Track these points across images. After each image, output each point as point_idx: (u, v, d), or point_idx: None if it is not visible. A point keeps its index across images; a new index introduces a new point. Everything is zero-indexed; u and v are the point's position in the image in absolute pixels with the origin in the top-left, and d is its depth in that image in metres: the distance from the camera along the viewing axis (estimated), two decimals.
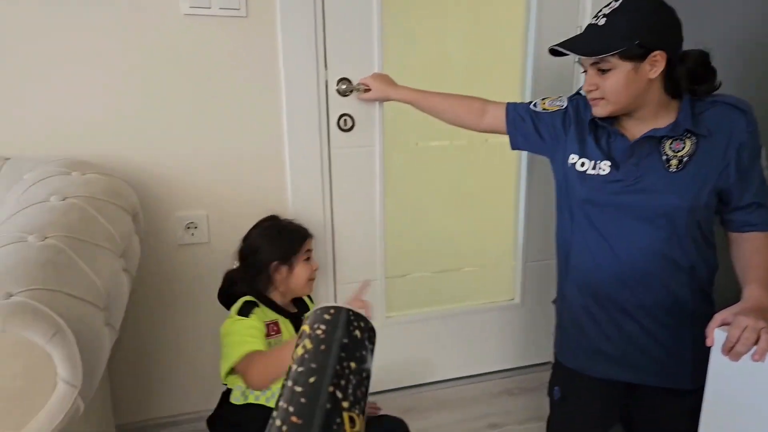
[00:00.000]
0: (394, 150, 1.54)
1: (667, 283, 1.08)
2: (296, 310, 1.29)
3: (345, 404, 0.29)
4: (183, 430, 1.44)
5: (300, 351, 0.32)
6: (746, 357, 0.85)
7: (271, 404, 1.23)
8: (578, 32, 1.08)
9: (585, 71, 1.05)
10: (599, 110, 1.05)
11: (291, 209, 1.44)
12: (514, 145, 1.27)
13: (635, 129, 1.07)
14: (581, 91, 1.19)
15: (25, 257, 0.73)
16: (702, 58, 1.02)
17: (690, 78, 1.02)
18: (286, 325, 1.24)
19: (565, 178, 1.15)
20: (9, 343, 0.63)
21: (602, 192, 1.08)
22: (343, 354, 0.32)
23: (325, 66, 1.40)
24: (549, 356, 1.80)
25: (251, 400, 1.15)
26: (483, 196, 1.69)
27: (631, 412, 1.23)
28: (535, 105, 1.23)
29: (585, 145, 1.12)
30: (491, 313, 1.74)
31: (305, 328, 0.34)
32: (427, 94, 1.35)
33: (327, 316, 0.34)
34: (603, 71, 1.00)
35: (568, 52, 1.01)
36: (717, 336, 0.89)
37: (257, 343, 1.11)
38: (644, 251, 1.07)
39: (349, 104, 1.44)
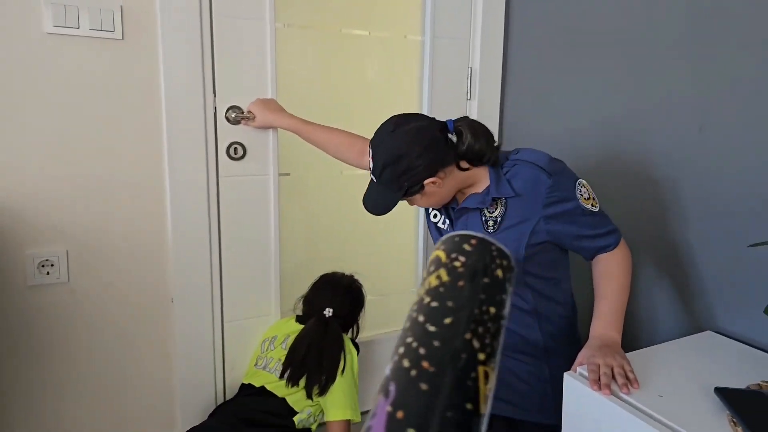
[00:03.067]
0: (321, 178, 1.51)
1: (515, 327, 1.12)
2: None
3: (481, 356, 0.25)
4: None
5: (434, 281, 0.28)
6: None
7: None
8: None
9: None
10: (430, 206, 1.15)
11: (171, 243, 1.31)
12: None
13: (459, 197, 1.13)
14: None
15: None
16: (473, 128, 1.05)
17: (483, 150, 1.05)
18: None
19: (430, 228, 1.23)
20: None
21: None
22: (483, 296, 0.27)
23: (214, 93, 1.30)
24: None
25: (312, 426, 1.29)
26: (385, 228, 1.67)
27: None
28: None
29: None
30: (393, 342, 1.71)
31: (440, 254, 0.29)
32: (312, 126, 1.32)
33: (467, 247, 0.29)
34: (411, 200, 1.08)
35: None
36: (566, 380, 0.96)
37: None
38: None
39: (241, 132, 1.35)
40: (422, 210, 1.65)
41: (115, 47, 1.19)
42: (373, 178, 1.05)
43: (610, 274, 1.09)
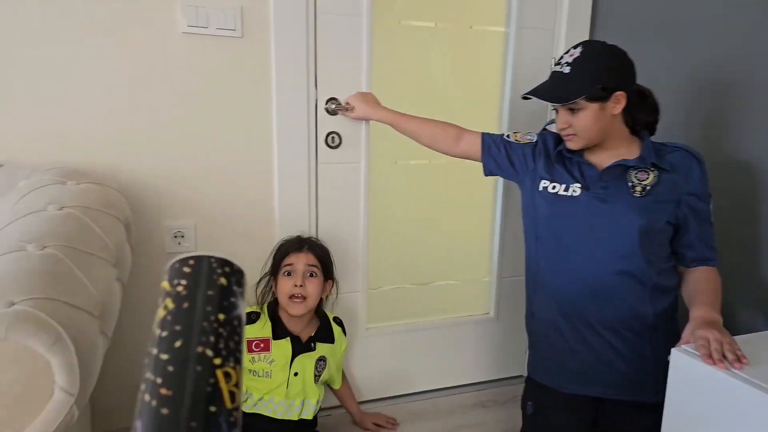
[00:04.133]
0: (377, 167, 1.60)
1: (630, 300, 1.16)
2: (309, 335, 1.38)
3: (217, 361, 0.27)
4: None
5: (162, 313, 0.30)
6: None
7: (256, 410, 1.30)
8: (550, 70, 1.19)
9: (555, 110, 1.17)
10: (573, 144, 1.16)
11: (277, 221, 1.48)
12: (487, 171, 1.36)
13: (603, 159, 1.18)
14: (548, 127, 1.32)
15: (26, 266, 0.76)
16: (649, 92, 1.19)
17: (646, 111, 1.18)
18: (280, 346, 1.31)
19: (533, 203, 1.25)
20: (10, 350, 0.66)
21: (572, 211, 1.18)
22: (209, 308, 0.29)
23: (315, 85, 1.45)
24: (522, 370, 1.86)
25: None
26: (461, 213, 1.75)
27: (599, 425, 1.30)
28: (508, 136, 1.34)
29: (555, 173, 1.23)
30: (467, 326, 1.80)
31: (165, 285, 0.31)
32: (407, 117, 1.41)
33: (186, 269, 0.31)
34: (573, 111, 1.12)
35: (539, 99, 1.13)
36: (674, 356, 0.97)
37: None
38: (610, 268, 1.16)
39: (337, 122, 1.50)
40: (499, 201, 1.71)
41: (235, 44, 1.36)
42: (564, 71, 1.11)
43: (709, 279, 1.15)
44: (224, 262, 0.32)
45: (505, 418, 1.65)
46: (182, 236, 1.42)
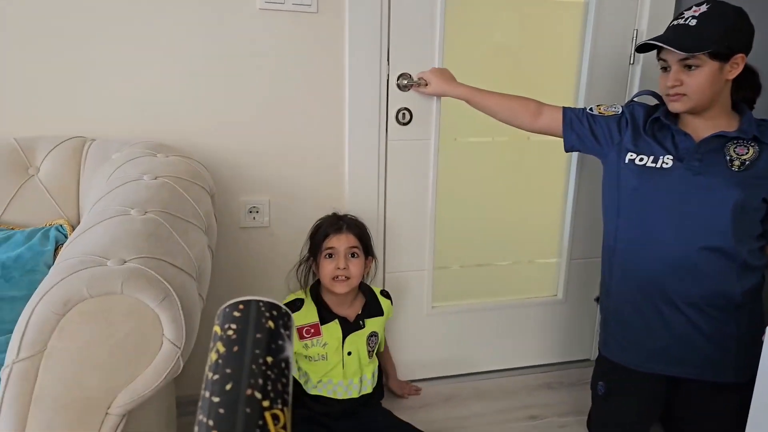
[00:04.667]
0: (445, 144, 1.57)
1: (717, 277, 1.12)
2: (356, 312, 1.37)
3: (265, 403, 0.28)
4: None
5: (213, 356, 0.31)
6: None
7: (317, 392, 1.35)
8: (657, 33, 1.14)
9: (665, 68, 1.11)
10: (679, 105, 1.11)
11: (347, 197, 1.50)
12: (569, 145, 1.31)
13: (700, 129, 1.13)
14: (635, 99, 1.28)
15: (132, 228, 0.80)
16: (755, 70, 1.16)
17: (750, 87, 1.14)
18: (329, 329, 1.33)
19: (618, 176, 1.21)
20: (124, 304, 0.70)
21: (662, 184, 1.13)
22: (257, 351, 0.30)
23: (388, 61, 1.44)
24: (589, 353, 1.82)
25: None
26: (529, 192, 1.71)
27: (674, 408, 1.26)
28: (591, 110, 1.30)
29: (643, 145, 1.18)
30: (534, 307, 1.76)
31: (216, 329, 0.32)
32: (484, 93, 1.38)
33: (236, 314, 0.32)
34: (689, 68, 1.07)
35: (664, 46, 1.08)
36: None
37: None
38: (699, 243, 1.11)
39: (408, 98, 1.48)
40: (573, 180, 1.65)
41: (311, 19, 1.37)
42: (691, 23, 1.08)
43: None
44: (272, 306, 0.33)
45: (572, 400, 1.61)
46: (257, 211, 1.46)
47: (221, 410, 0.27)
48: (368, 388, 1.39)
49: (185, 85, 1.33)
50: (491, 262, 1.73)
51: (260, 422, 0.27)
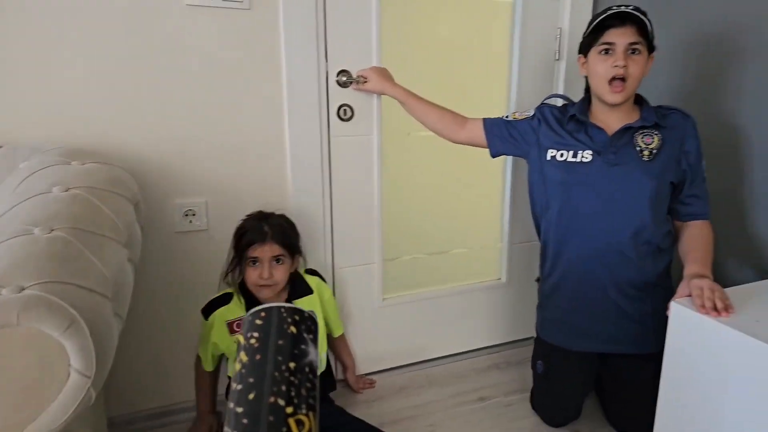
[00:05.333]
0: (389, 139, 1.56)
1: (638, 261, 1.21)
2: (284, 299, 1.34)
3: (289, 410, 0.28)
4: (176, 420, 1.45)
5: (237, 366, 0.31)
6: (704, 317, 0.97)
7: None
8: (579, 33, 1.23)
9: (607, 51, 1.15)
10: (618, 97, 1.15)
11: (291, 196, 1.45)
12: (494, 150, 1.38)
13: (611, 122, 1.20)
14: (547, 101, 1.35)
15: (33, 250, 0.73)
16: None
17: None
18: None
19: (542, 173, 1.28)
20: (23, 335, 0.64)
21: (585, 176, 1.20)
22: (279, 358, 0.30)
23: (326, 58, 1.40)
24: (533, 332, 1.85)
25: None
26: (472, 183, 1.73)
27: (605, 379, 1.37)
28: (506, 117, 1.37)
29: (561, 141, 1.24)
30: (479, 292, 1.79)
31: (240, 338, 0.32)
32: (418, 99, 1.41)
33: (258, 321, 0.32)
34: (634, 53, 1.13)
35: (637, 14, 1.13)
36: (673, 308, 1.02)
37: (206, 360, 1.36)
38: (622, 231, 1.19)
39: (349, 95, 1.45)
40: (509, 170, 1.70)
41: (243, 16, 1.31)
42: (633, 12, 1.13)
43: (702, 234, 1.19)
44: (294, 311, 0.33)
45: (519, 378, 1.67)
46: (193, 214, 1.39)
47: (245, 420, 0.27)
48: None
49: (109, 86, 1.25)
50: (439, 251, 1.74)
51: (283, 429, 0.27)
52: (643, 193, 1.16)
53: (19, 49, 1.17)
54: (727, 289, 1.06)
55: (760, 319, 0.94)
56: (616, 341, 1.26)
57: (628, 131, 1.18)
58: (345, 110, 1.46)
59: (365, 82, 1.41)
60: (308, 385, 0.30)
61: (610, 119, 1.20)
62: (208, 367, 1.36)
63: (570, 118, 1.23)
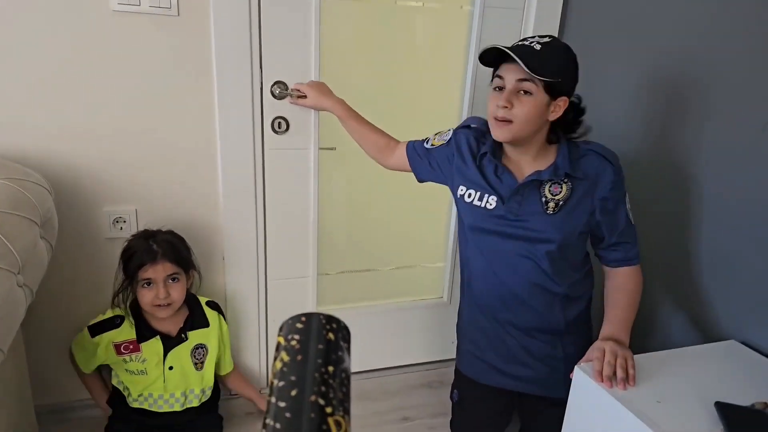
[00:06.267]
0: (327, 152, 1.54)
1: (541, 308, 1.18)
2: (179, 326, 1.36)
3: (328, 410, 0.29)
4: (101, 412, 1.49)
5: (279, 365, 0.32)
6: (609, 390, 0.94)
7: (137, 406, 1.35)
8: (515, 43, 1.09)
9: (500, 88, 1.06)
10: (502, 133, 1.07)
11: (222, 205, 1.46)
12: (418, 177, 1.33)
13: (523, 164, 1.13)
14: (471, 124, 1.23)
15: None
16: (578, 104, 1.12)
17: (570, 124, 1.12)
18: (150, 346, 1.32)
19: (458, 208, 1.23)
20: None
21: (488, 223, 1.15)
22: (319, 360, 0.32)
23: (261, 68, 1.38)
24: None
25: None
26: (417, 200, 1.71)
27: (521, 417, 1.38)
28: (427, 141, 1.29)
29: (470, 178, 1.18)
30: (420, 309, 1.81)
31: (280, 339, 0.34)
32: (357, 119, 1.37)
33: (299, 325, 0.34)
34: (523, 93, 1.03)
35: (512, 55, 1.00)
36: (576, 373, 1.01)
37: (88, 367, 1.36)
38: (522, 280, 1.16)
39: (284, 107, 1.43)
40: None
41: (172, 23, 1.28)
42: (536, 47, 1.02)
43: (626, 288, 1.14)
44: (331, 319, 0.35)
45: (447, 400, 1.67)
46: (123, 221, 1.40)
47: (288, 414, 0.29)
48: (194, 402, 1.39)
49: (34, 91, 1.24)
50: (378, 267, 1.74)
51: (324, 427, 0.28)
52: (543, 247, 1.11)
53: None
54: (648, 354, 1.03)
55: (664, 399, 0.91)
56: (527, 381, 1.24)
57: (535, 181, 1.10)
58: (280, 123, 1.44)
59: (302, 97, 1.39)
60: (344, 390, 0.32)
61: (521, 160, 1.13)
62: (89, 370, 1.37)
63: (482, 155, 1.16)
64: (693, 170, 1.24)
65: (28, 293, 0.95)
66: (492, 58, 1.07)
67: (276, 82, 1.40)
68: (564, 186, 1.09)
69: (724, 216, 1.17)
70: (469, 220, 1.19)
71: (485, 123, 1.18)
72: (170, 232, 1.34)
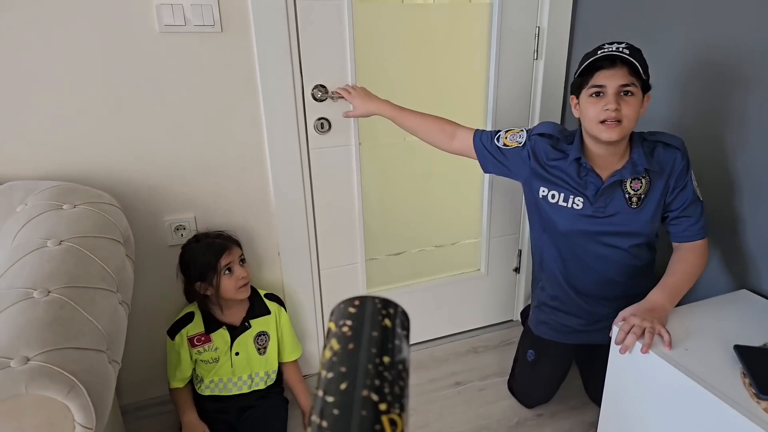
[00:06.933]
0: (367, 146, 1.61)
1: (629, 283, 1.30)
2: (242, 315, 1.46)
3: (383, 407, 0.26)
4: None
5: (328, 354, 0.29)
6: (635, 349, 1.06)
7: (209, 393, 1.47)
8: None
9: (598, 94, 1.12)
10: (615, 133, 1.12)
11: (274, 205, 1.53)
12: (486, 171, 1.39)
13: (605, 164, 1.20)
14: (545, 132, 1.28)
15: (34, 318, 0.83)
16: None
17: None
18: (218, 336, 1.44)
19: (536, 203, 1.31)
20: (32, 401, 0.76)
21: (581, 224, 1.25)
22: (374, 350, 0.28)
23: (301, 74, 1.43)
24: (509, 316, 2.04)
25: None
26: (451, 183, 1.79)
27: (586, 360, 1.54)
28: (498, 138, 1.33)
29: (553, 182, 1.26)
30: (461, 282, 1.91)
31: (331, 325, 0.31)
32: (405, 113, 1.41)
33: (352, 309, 0.31)
34: (626, 94, 1.10)
35: (628, 58, 1.09)
36: (613, 330, 1.12)
37: (176, 379, 1.46)
38: (613, 266, 1.28)
39: (326, 108, 1.49)
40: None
41: (216, 39, 1.34)
42: (625, 53, 1.09)
43: (687, 261, 1.21)
44: (388, 303, 0.31)
45: (494, 362, 1.81)
46: (184, 229, 1.49)
47: (335, 411, 0.25)
48: (260, 385, 1.50)
49: (92, 115, 1.30)
50: (420, 248, 1.83)
51: (377, 427, 0.25)
52: (635, 237, 1.22)
53: (3, 82, 1.22)
54: (682, 308, 1.13)
55: (691, 348, 1.02)
56: (599, 333, 1.36)
57: (617, 182, 1.19)
58: (322, 123, 1.50)
59: (354, 108, 1.42)
60: (401, 383, 0.28)
61: (603, 159, 1.19)
62: (183, 382, 1.46)
63: (574, 160, 1.21)
64: (711, 141, 1.30)
65: (126, 309, 1.05)
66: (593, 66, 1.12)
67: (316, 86, 1.45)
68: (644, 180, 1.19)
69: (740, 181, 1.25)
70: (563, 226, 1.27)
71: (559, 129, 1.25)
72: (216, 232, 1.46)
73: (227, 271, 1.39)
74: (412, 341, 1.85)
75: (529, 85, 1.70)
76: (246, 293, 1.44)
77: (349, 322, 0.30)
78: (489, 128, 1.67)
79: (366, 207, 1.67)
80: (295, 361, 1.61)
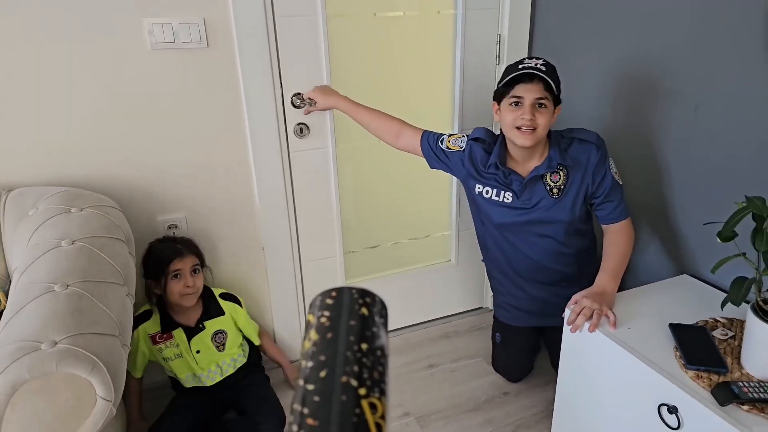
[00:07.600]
0: (343, 147, 1.76)
1: (560, 267, 1.48)
2: (197, 317, 1.54)
3: (362, 391, 0.27)
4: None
5: (307, 345, 0.29)
6: (584, 329, 1.22)
7: (189, 385, 1.55)
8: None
9: (517, 103, 1.29)
10: (528, 139, 1.30)
11: (258, 204, 1.67)
12: (431, 166, 1.57)
13: (524, 166, 1.39)
14: (479, 136, 1.46)
15: (57, 308, 0.97)
16: None
17: None
18: (178, 334, 1.52)
19: (474, 199, 1.50)
20: (62, 378, 0.90)
21: (512, 215, 1.43)
22: (352, 338, 0.29)
23: (281, 84, 1.57)
24: (478, 303, 2.22)
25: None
26: (423, 180, 1.94)
27: (550, 339, 1.72)
28: (442, 141, 1.51)
29: (486, 180, 1.44)
30: (433, 273, 2.08)
31: (310, 318, 0.31)
32: (360, 108, 1.57)
33: (329, 301, 0.31)
34: (540, 107, 1.28)
35: (545, 77, 1.26)
36: (566, 312, 1.27)
37: (130, 360, 1.47)
38: (543, 252, 1.46)
39: (304, 115, 1.63)
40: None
41: (203, 53, 1.46)
42: (542, 69, 1.26)
43: (617, 241, 1.38)
44: (365, 293, 0.32)
45: (464, 346, 1.98)
46: (176, 227, 1.62)
47: (316, 398, 0.26)
48: (230, 370, 1.57)
49: (92, 126, 1.43)
50: (395, 240, 1.99)
51: (357, 410, 0.26)
52: (558, 226, 1.40)
53: (8, 101, 1.33)
54: (621, 293, 1.28)
55: (631, 327, 1.17)
56: (554, 317, 1.49)
57: (537, 177, 1.37)
58: (301, 128, 1.64)
59: (314, 103, 1.58)
60: (380, 368, 0.29)
61: (528, 161, 1.38)
62: (138, 373, 1.52)
63: (492, 165, 1.40)
64: (649, 139, 1.49)
65: (131, 300, 1.19)
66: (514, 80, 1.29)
67: (295, 94, 1.59)
68: (562, 173, 1.37)
69: (674, 175, 1.43)
70: (497, 219, 1.45)
71: (489, 134, 1.44)
72: (183, 237, 1.56)
73: (175, 277, 1.45)
74: (389, 328, 2.01)
75: (491, 87, 1.82)
76: (190, 302, 1.48)
77: (327, 313, 0.31)
78: (456, 127, 1.85)
79: (343, 204, 1.82)
80: (263, 336, 1.73)
